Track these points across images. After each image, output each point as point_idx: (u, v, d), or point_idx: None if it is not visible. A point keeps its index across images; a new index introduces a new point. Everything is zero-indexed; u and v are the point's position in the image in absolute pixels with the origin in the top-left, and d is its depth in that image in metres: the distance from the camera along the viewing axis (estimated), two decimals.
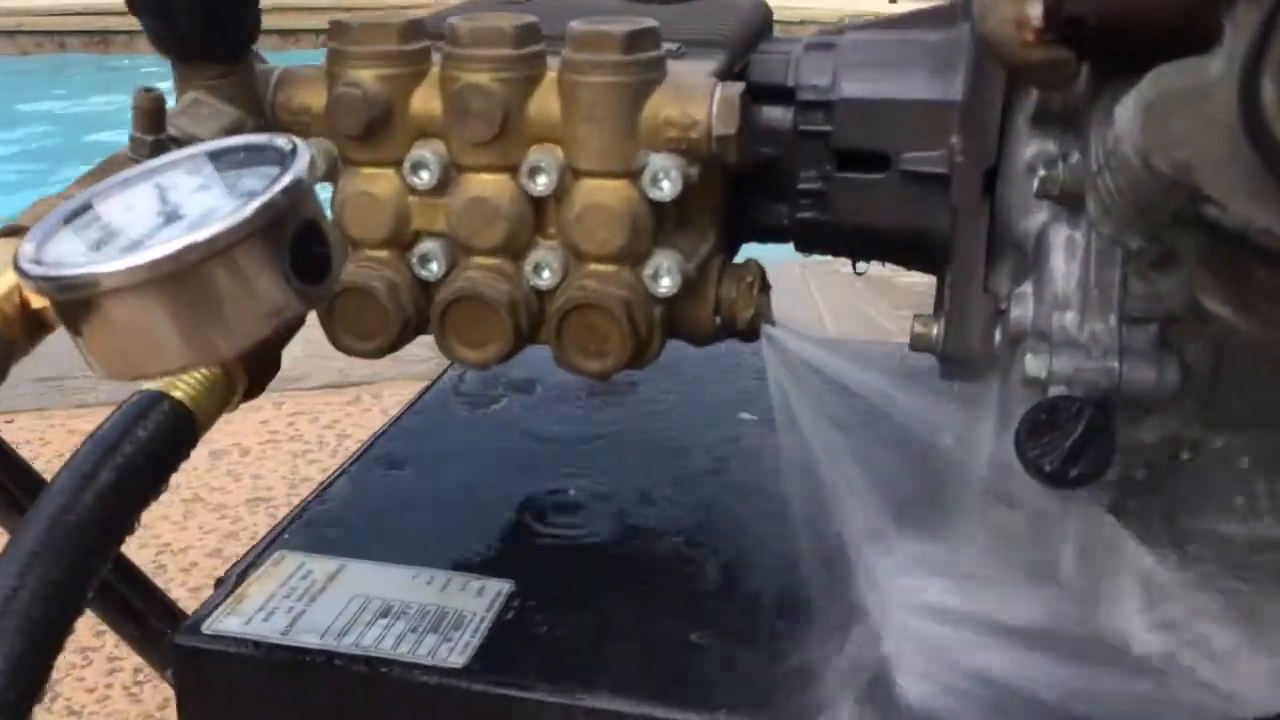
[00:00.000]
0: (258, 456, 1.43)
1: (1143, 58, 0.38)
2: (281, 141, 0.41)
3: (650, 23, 0.53)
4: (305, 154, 0.40)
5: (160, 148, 0.49)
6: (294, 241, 0.39)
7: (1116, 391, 0.51)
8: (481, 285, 0.54)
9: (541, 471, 0.73)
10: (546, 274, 0.55)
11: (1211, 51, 0.34)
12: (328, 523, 0.67)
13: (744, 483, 0.69)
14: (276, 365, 0.59)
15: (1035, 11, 0.38)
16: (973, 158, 0.59)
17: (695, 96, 0.52)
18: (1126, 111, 0.37)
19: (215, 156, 0.42)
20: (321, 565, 0.63)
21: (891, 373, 0.62)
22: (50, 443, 1.40)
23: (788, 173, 0.65)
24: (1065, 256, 0.54)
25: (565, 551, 0.65)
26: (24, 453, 0.69)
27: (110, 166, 0.47)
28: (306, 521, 0.67)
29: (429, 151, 0.54)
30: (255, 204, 0.37)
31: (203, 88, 0.53)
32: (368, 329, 0.56)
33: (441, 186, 0.55)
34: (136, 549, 1.23)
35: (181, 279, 0.36)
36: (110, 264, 0.35)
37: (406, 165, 0.54)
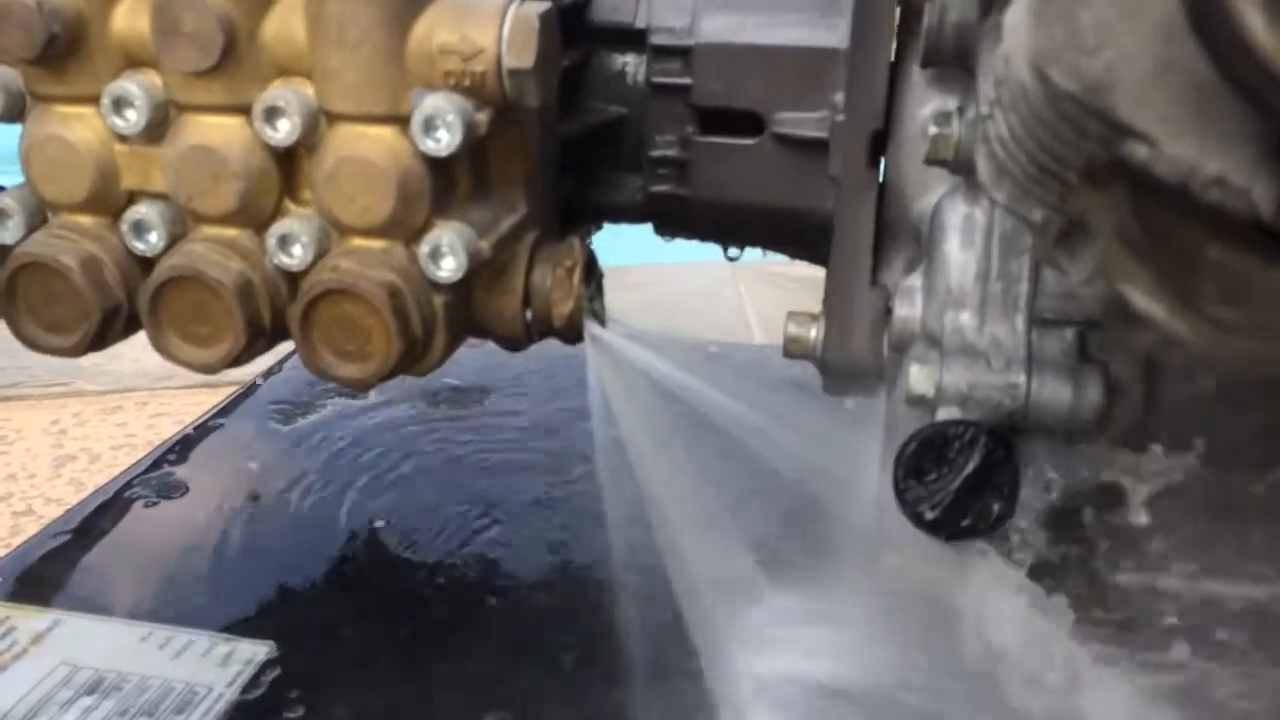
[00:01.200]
0: (108, 464, 1.28)
1: None
2: None
3: None
4: None
5: None
6: None
7: (1023, 414, 0.39)
8: (204, 263, 0.41)
9: (346, 501, 0.59)
10: (297, 249, 0.42)
11: None
12: (57, 562, 0.54)
13: (572, 519, 0.56)
14: None
15: None
16: (856, 117, 0.47)
17: (481, 16, 0.39)
18: (1018, 9, 0.25)
19: None
20: (30, 620, 0.49)
21: (757, 387, 0.50)
22: None
23: (638, 136, 0.53)
24: (961, 240, 0.42)
25: (353, 604, 0.52)
26: None
27: None
28: (27, 559, 0.54)
29: (135, 85, 0.41)
30: None
31: None
32: (60, 319, 0.43)
33: (155, 132, 0.42)
34: None
35: None
36: None
37: (106, 101, 0.41)
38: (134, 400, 1.43)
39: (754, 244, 0.57)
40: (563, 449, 0.64)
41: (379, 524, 0.57)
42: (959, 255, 0.41)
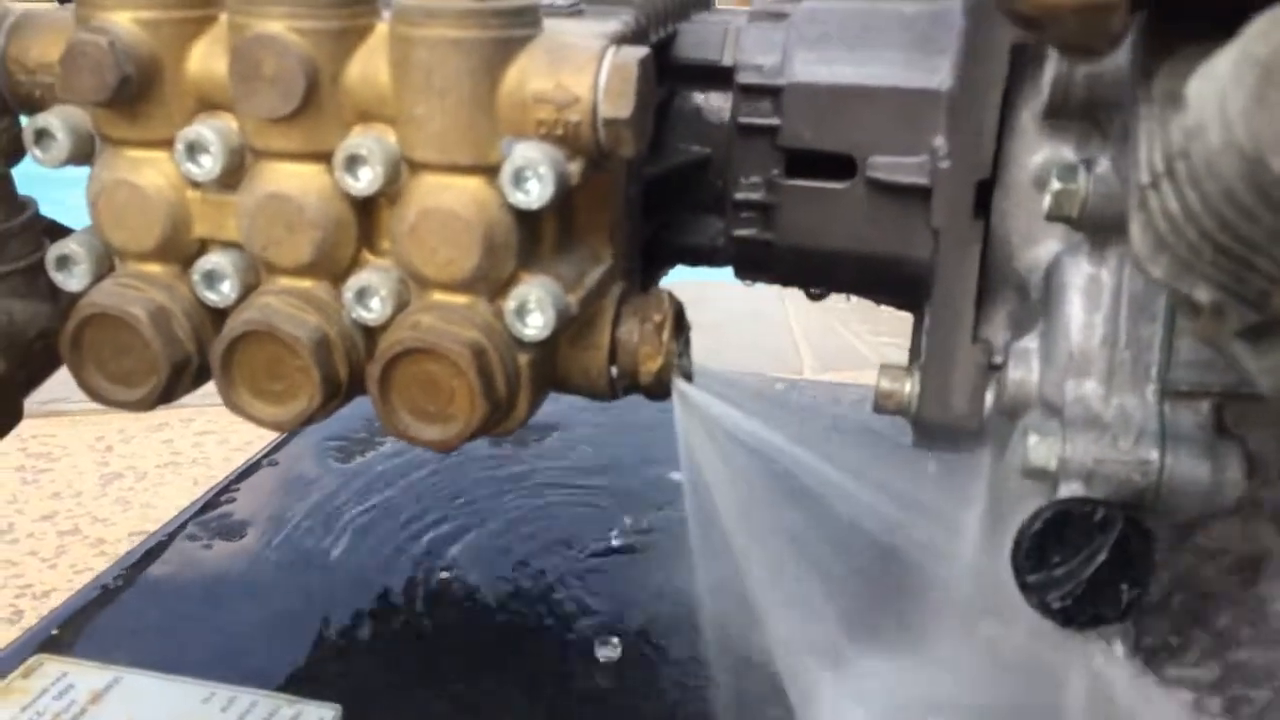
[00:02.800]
0: (154, 482, 1.28)
1: (1236, 5, 0.23)
2: None
3: None
4: None
5: None
6: None
7: (1155, 493, 0.37)
8: (279, 318, 0.39)
9: (409, 548, 0.57)
10: (375, 303, 0.40)
11: None
12: (116, 614, 0.52)
13: (657, 576, 0.54)
14: (15, 416, 0.44)
15: None
16: (961, 165, 0.44)
17: (577, 63, 0.37)
18: (1216, 84, 0.22)
19: None
20: (89, 677, 0.47)
21: (850, 449, 0.47)
22: None
23: (721, 178, 0.51)
24: (1085, 303, 0.39)
25: (422, 662, 0.50)
26: None
27: None
28: (86, 612, 0.52)
29: (210, 129, 0.39)
30: None
31: None
32: (127, 372, 0.41)
33: (230, 178, 0.40)
34: None
35: None
36: None
37: (180, 146, 0.39)
38: (180, 417, 1.42)
39: (840, 290, 0.54)
40: (635, 490, 0.61)
41: (445, 574, 0.55)
42: (1082, 318, 0.39)
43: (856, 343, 1.56)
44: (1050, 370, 0.39)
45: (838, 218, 0.49)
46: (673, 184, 0.50)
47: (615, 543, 0.57)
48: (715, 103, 0.50)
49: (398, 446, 0.68)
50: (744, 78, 0.49)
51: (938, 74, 0.47)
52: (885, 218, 0.48)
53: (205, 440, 1.38)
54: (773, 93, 0.49)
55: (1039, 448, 0.37)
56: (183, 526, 0.60)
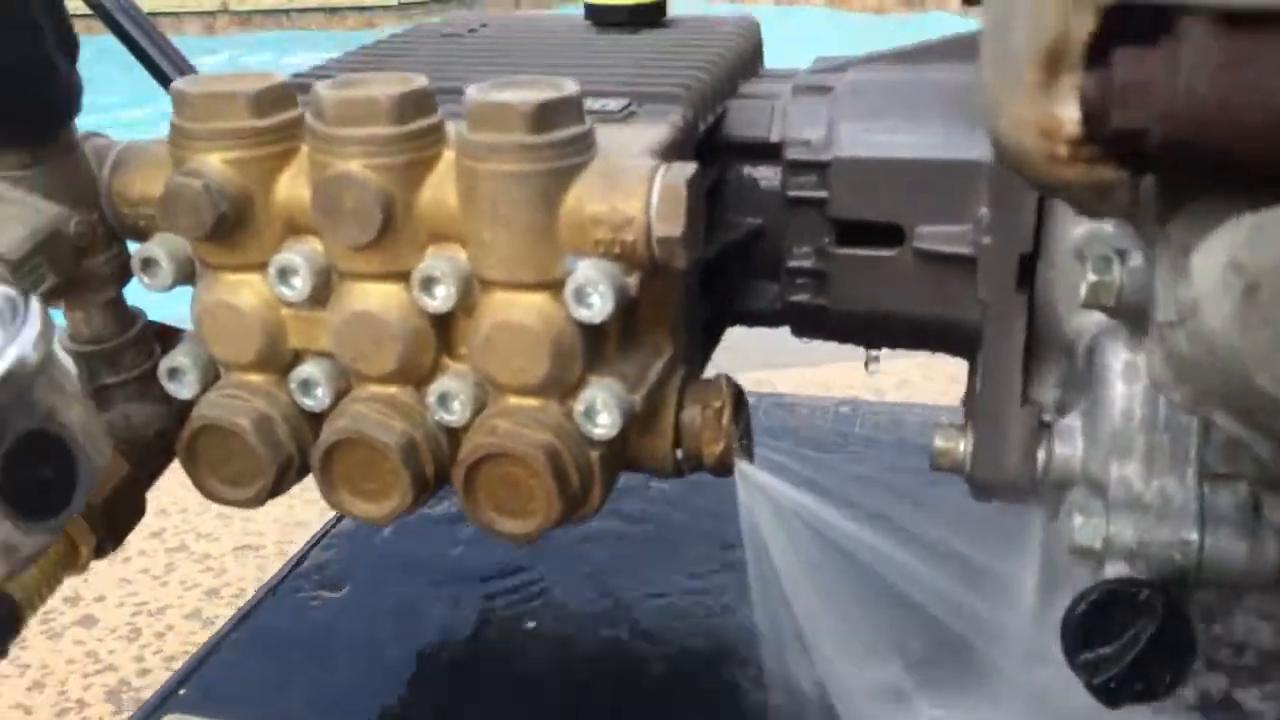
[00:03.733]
0: None
1: (1237, 181, 0.25)
2: (2, 296, 0.30)
3: (571, 89, 0.40)
4: (35, 321, 0.29)
5: None
6: (10, 459, 0.27)
7: (1196, 571, 0.38)
8: (369, 425, 0.43)
9: (510, 591, 0.61)
10: (456, 406, 0.43)
11: None
12: (233, 670, 0.57)
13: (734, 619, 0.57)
14: (139, 511, 0.49)
15: (1069, 115, 0.25)
16: (1005, 240, 0.46)
17: (629, 186, 0.40)
18: (1212, 278, 0.24)
19: None
20: None
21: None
22: None
23: (775, 246, 0.53)
24: (1124, 388, 0.40)
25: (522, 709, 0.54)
26: None
27: None
28: (208, 670, 0.57)
29: (299, 255, 0.43)
30: None
31: (7, 180, 0.42)
32: (238, 475, 0.45)
33: (320, 297, 0.43)
34: (114, 608, 1.15)
35: None
36: None
37: (272, 271, 0.43)
38: None
39: (894, 346, 0.56)
40: (702, 536, 0.64)
41: (530, 625, 0.59)
42: (1123, 403, 0.40)
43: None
44: (1094, 449, 0.41)
45: (887, 283, 0.51)
46: (729, 256, 0.53)
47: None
48: (765, 175, 0.53)
49: None
50: (792, 153, 0.51)
51: (979, 145, 0.48)
52: (933, 283, 0.50)
53: None
54: (820, 167, 0.50)
55: (1085, 529, 0.39)
56: (284, 579, 0.64)
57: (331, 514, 0.70)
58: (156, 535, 1.25)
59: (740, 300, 0.55)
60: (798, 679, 0.48)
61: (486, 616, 0.60)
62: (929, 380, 1.53)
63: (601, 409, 0.42)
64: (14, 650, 0.56)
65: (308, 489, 1.35)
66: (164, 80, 0.69)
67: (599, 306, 0.40)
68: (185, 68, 0.67)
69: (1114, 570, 0.39)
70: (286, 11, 5.15)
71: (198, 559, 1.23)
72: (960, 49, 0.52)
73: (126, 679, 1.03)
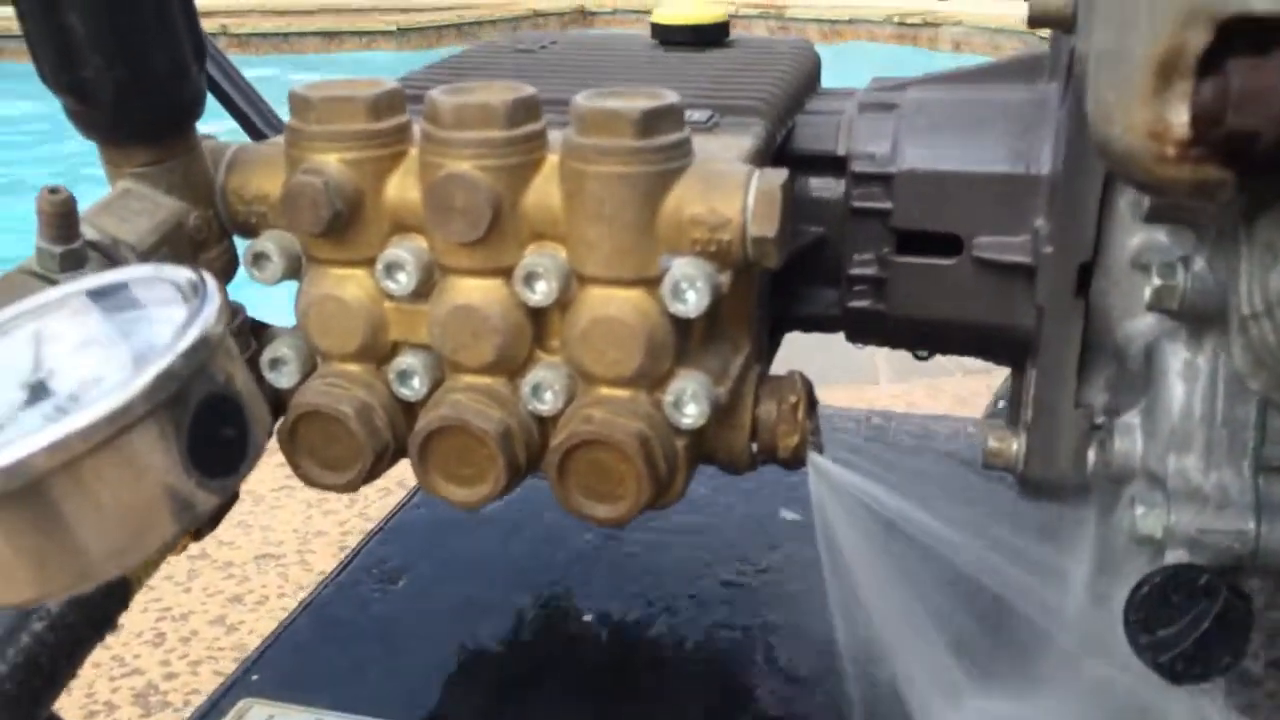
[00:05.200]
0: (270, 506, 1.35)
1: None
2: (185, 277, 0.32)
3: (671, 98, 0.43)
4: (215, 297, 0.31)
5: (74, 259, 0.40)
6: (196, 421, 0.30)
7: (1253, 558, 0.41)
8: (468, 413, 0.45)
9: (566, 581, 0.63)
10: (549, 396, 0.46)
11: None
12: (305, 658, 0.59)
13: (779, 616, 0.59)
14: (234, 497, 0.51)
15: (1179, 119, 0.28)
16: (1064, 248, 0.49)
17: (727, 189, 0.43)
18: None
19: (100, 295, 0.33)
20: (293, 719, 0.54)
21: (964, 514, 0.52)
22: None
23: (836, 254, 0.56)
24: (1184, 386, 0.43)
25: (583, 696, 0.56)
26: None
27: (2, 289, 0.38)
28: (278, 657, 0.58)
29: (406, 251, 0.45)
30: (142, 381, 0.28)
31: (134, 175, 0.44)
32: (337, 459, 0.47)
33: (422, 291, 0.46)
34: (138, 614, 1.16)
35: (33, 494, 0.27)
36: None
37: (380, 266, 0.45)
38: None
39: (949, 353, 0.59)
40: (752, 529, 0.67)
41: (588, 618, 0.61)
42: (1182, 400, 0.43)
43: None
44: (1153, 444, 0.44)
45: (945, 291, 0.54)
46: (790, 262, 0.55)
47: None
48: (829, 186, 0.56)
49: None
50: (858, 166, 0.54)
51: (1038, 160, 0.52)
52: (990, 291, 0.53)
53: None
54: (884, 180, 0.53)
55: (1146, 518, 0.42)
56: (341, 571, 0.66)
57: (354, 520, 0.72)
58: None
59: (799, 305, 0.57)
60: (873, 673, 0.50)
61: (542, 614, 0.62)
62: (934, 400, 1.56)
63: (690, 400, 0.44)
64: None
65: (325, 500, 1.37)
66: (252, 132, 0.71)
67: (694, 301, 0.43)
68: (276, 123, 0.70)
69: (1174, 557, 0.42)
70: (285, 35, 5.18)
71: (219, 566, 1.25)
72: (1015, 70, 0.55)
73: (154, 682, 1.04)
